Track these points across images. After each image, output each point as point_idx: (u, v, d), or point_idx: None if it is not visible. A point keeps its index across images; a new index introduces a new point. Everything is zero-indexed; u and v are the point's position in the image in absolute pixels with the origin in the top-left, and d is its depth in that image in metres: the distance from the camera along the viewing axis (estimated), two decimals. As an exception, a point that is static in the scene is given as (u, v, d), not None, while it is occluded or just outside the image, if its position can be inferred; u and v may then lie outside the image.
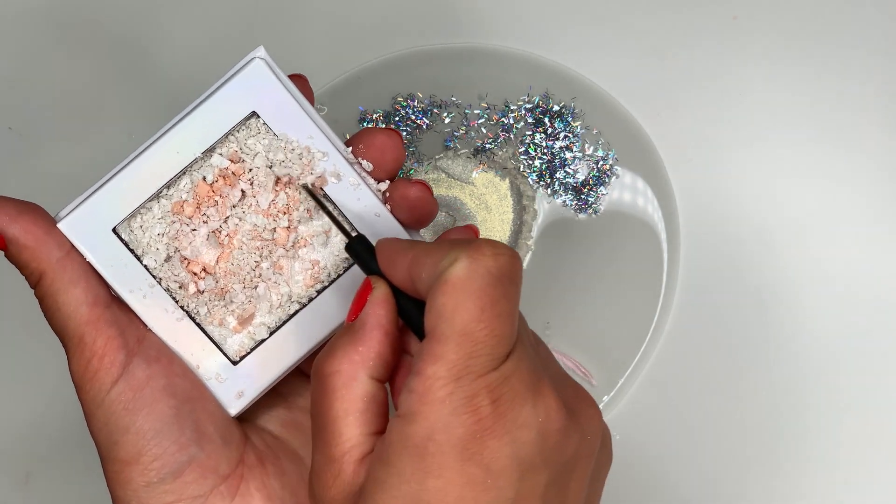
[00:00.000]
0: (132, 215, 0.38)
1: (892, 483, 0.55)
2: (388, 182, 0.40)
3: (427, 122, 0.56)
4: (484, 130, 0.56)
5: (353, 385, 0.33)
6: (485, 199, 0.56)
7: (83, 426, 0.56)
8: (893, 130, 0.57)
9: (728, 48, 0.57)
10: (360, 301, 0.35)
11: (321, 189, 0.39)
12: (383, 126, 0.56)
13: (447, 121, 0.56)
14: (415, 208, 0.39)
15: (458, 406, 0.30)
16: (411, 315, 0.35)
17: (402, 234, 0.40)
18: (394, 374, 0.35)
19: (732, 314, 0.56)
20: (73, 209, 0.38)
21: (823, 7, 0.57)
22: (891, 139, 0.57)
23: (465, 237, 0.38)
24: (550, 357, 0.36)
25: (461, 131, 0.56)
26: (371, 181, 0.40)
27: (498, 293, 0.31)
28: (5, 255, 0.37)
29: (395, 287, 0.35)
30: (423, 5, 0.58)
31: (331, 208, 0.39)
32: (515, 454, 0.31)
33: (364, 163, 0.40)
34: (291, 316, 0.40)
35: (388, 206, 0.40)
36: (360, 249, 0.36)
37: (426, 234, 0.54)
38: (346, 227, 0.39)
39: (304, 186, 0.39)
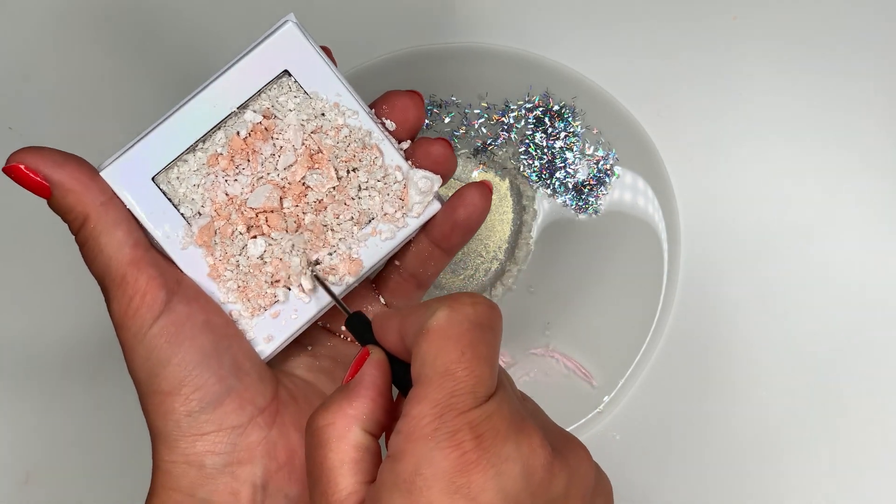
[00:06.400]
0: (169, 167, 0.40)
1: (894, 484, 0.55)
2: (409, 141, 0.42)
3: (427, 122, 0.56)
4: (484, 130, 0.56)
5: (346, 436, 0.34)
6: (485, 199, 0.56)
7: (83, 426, 0.56)
8: (893, 130, 0.57)
9: (728, 48, 0.57)
10: (357, 366, 0.36)
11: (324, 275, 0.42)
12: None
13: (447, 121, 0.56)
14: (437, 164, 0.42)
15: (442, 441, 0.31)
16: (406, 382, 0.36)
17: (428, 175, 0.42)
18: (387, 435, 0.36)
19: (733, 314, 0.56)
20: (114, 159, 0.40)
21: (823, 7, 0.57)
22: (890, 139, 0.56)
23: (481, 191, 0.42)
24: (538, 410, 0.37)
25: (461, 131, 0.56)
26: (393, 140, 0.42)
27: (476, 338, 0.33)
28: (48, 204, 0.39)
29: (390, 355, 0.36)
30: (423, 5, 0.58)
31: (335, 291, 0.41)
32: (501, 487, 0.31)
33: (388, 122, 0.42)
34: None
35: (410, 163, 0.42)
36: (356, 324, 0.38)
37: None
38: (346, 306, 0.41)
39: (312, 272, 0.41)
